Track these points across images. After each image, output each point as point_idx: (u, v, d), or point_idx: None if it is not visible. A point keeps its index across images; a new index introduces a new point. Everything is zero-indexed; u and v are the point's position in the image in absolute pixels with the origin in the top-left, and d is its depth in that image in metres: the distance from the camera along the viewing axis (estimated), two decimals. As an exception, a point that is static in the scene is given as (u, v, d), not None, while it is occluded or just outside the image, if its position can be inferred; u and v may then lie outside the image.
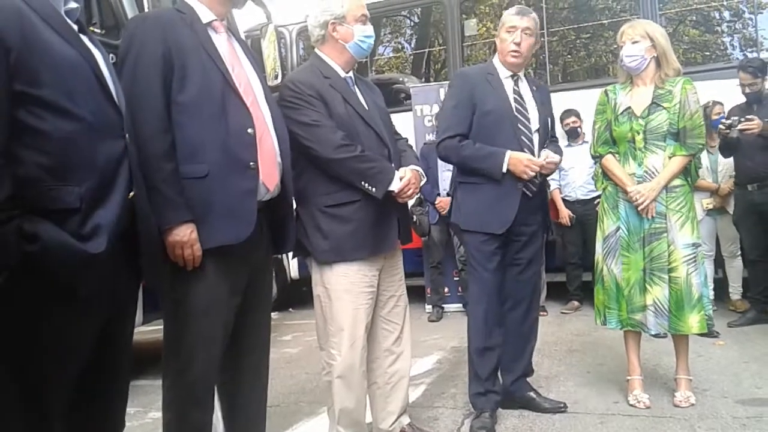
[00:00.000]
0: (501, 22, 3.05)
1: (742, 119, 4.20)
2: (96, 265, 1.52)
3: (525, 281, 3.07)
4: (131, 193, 1.64)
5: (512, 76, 3.01)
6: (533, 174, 2.86)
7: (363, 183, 2.46)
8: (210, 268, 2.03)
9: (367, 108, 2.60)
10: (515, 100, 2.98)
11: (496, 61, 3.06)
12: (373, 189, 2.45)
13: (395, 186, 2.48)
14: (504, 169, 2.86)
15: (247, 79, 2.16)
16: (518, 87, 3.02)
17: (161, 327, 2.15)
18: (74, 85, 1.54)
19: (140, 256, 1.70)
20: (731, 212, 4.84)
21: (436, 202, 5.55)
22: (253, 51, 2.44)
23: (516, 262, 3.03)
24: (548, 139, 3.08)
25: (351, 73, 2.66)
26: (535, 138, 2.98)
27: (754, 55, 5.66)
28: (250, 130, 2.08)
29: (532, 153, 2.93)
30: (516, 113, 2.96)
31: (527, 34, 2.93)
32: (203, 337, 2.04)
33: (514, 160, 2.85)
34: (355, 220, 2.49)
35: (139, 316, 3.65)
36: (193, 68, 2.02)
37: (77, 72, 1.56)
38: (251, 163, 2.07)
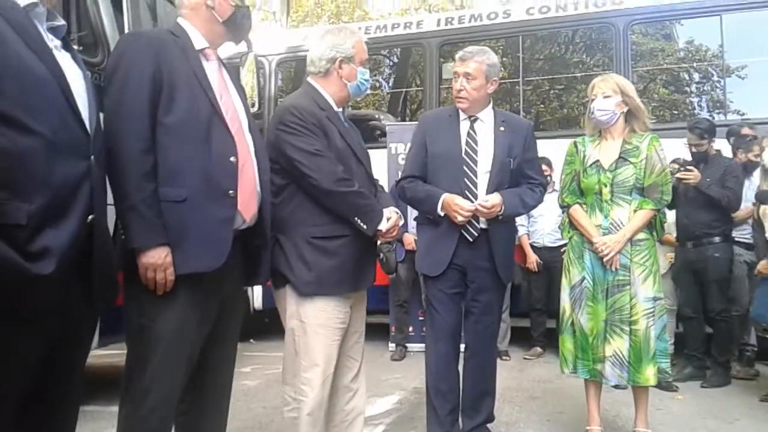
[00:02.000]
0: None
1: (682, 168, 4.37)
2: (42, 286, 1.48)
3: (481, 330, 3.06)
4: (90, 216, 1.61)
5: (470, 117, 3.04)
6: (463, 218, 2.86)
7: (356, 219, 2.46)
8: (181, 294, 1.99)
9: (359, 146, 2.63)
10: (467, 142, 3.00)
11: None
12: (365, 226, 2.46)
13: (383, 225, 2.49)
14: (439, 211, 2.91)
15: (234, 108, 2.16)
16: (474, 128, 3.03)
17: (116, 351, 2.08)
18: (36, 100, 1.52)
19: (93, 280, 1.66)
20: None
21: (402, 238, 5.52)
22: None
23: (472, 309, 3.04)
24: (520, 180, 3.02)
25: (341, 109, 2.68)
26: (483, 180, 2.96)
27: (721, 117, 5.87)
28: (232, 158, 2.07)
29: (475, 196, 2.92)
30: (464, 155, 2.98)
31: (469, 78, 2.97)
32: (168, 364, 1.99)
33: (446, 202, 2.89)
34: (341, 255, 2.48)
35: (94, 339, 3.59)
36: (182, 91, 2.02)
37: (42, 88, 1.55)
38: (230, 192, 2.06)
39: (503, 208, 2.90)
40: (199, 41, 2.14)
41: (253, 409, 3.99)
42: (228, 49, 5.35)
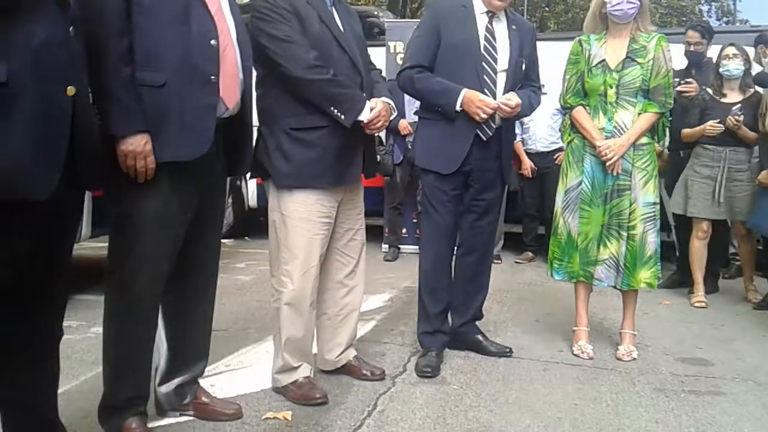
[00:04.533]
0: None
1: (682, 81, 4.28)
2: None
3: (480, 229, 3.04)
4: (70, 88, 1.54)
5: (488, 13, 2.88)
6: (486, 116, 2.75)
7: (332, 108, 2.37)
8: (162, 182, 1.95)
9: (342, 31, 2.49)
10: (485, 37, 2.86)
11: None
12: (342, 116, 2.37)
13: (365, 116, 2.39)
14: (458, 107, 2.77)
15: None
16: (492, 24, 2.89)
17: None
18: None
19: (77, 158, 1.60)
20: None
21: (399, 124, 5.39)
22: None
23: (472, 209, 3.00)
24: (523, 83, 2.95)
25: None
26: (501, 78, 2.86)
27: (729, 24, 5.69)
28: (213, 42, 1.97)
29: (494, 94, 2.82)
30: (483, 51, 2.84)
31: None
32: (151, 250, 1.97)
33: (468, 98, 2.75)
34: (320, 147, 2.41)
35: (87, 229, 3.60)
36: None
37: None
38: (212, 77, 1.97)
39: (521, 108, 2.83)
40: None
41: (247, 302, 4.05)
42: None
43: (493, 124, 2.85)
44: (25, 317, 1.68)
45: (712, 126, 4.08)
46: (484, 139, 2.85)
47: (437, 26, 2.88)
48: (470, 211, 3.00)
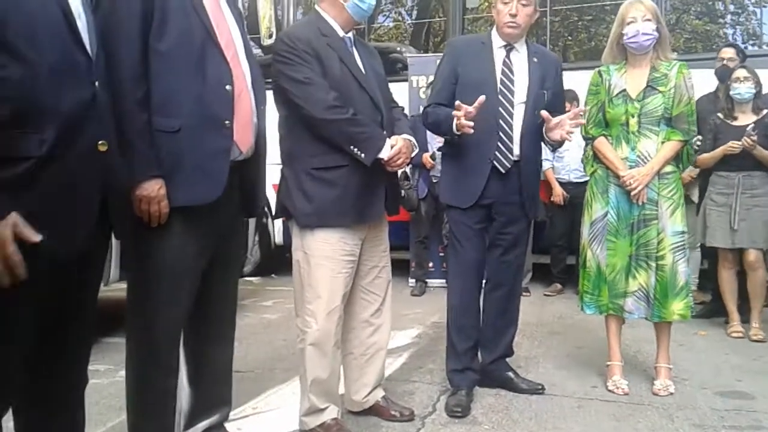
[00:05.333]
0: None
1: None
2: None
3: (507, 263, 2.99)
4: (101, 142, 1.56)
5: (505, 46, 2.89)
6: (464, 122, 2.62)
7: (352, 147, 2.37)
8: (176, 226, 1.96)
9: (363, 71, 2.51)
10: (502, 71, 2.86)
11: (493, 32, 2.95)
12: (362, 155, 2.37)
13: (385, 154, 2.40)
14: (455, 131, 2.72)
15: (229, 33, 2.07)
16: (510, 58, 2.89)
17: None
18: (37, 27, 1.45)
19: (109, 210, 1.62)
20: (695, 201, 4.77)
21: (422, 159, 5.37)
22: (243, 8, 2.34)
23: (498, 243, 2.96)
24: (552, 115, 2.82)
25: (350, 34, 2.55)
26: (519, 111, 2.83)
27: (756, 48, 5.64)
28: (228, 87, 1.99)
29: (510, 127, 2.81)
30: (500, 84, 2.84)
31: (523, 4, 2.80)
32: (167, 296, 1.97)
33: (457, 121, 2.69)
34: (341, 186, 2.41)
35: (114, 272, 3.62)
36: (174, 15, 1.93)
37: (45, 13, 1.48)
38: (226, 122, 1.99)
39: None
40: None
41: (274, 341, 4.03)
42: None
43: (511, 156, 2.82)
44: (50, 363, 1.68)
45: (731, 146, 3.98)
46: (503, 171, 2.83)
47: (455, 65, 2.90)
48: (496, 245, 2.96)
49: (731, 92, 4.09)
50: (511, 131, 2.81)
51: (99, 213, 1.62)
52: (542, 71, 2.91)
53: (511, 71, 2.87)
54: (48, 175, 1.45)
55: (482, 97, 2.64)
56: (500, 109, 2.82)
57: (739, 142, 3.94)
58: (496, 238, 2.95)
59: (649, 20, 2.91)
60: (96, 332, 1.85)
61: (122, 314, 2.05)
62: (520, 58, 2.91)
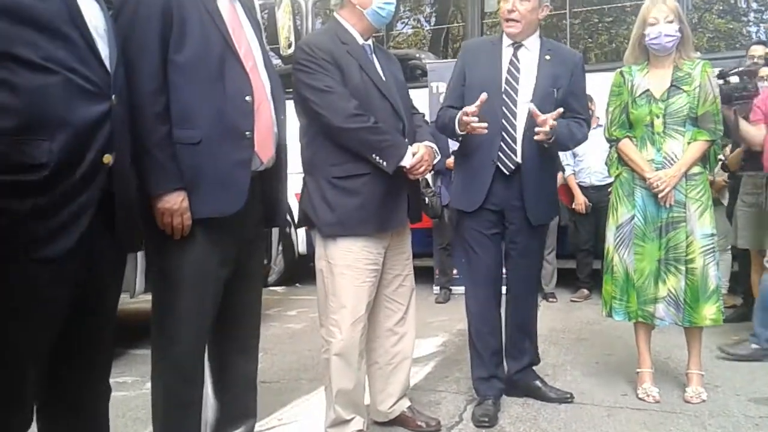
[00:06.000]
0: None
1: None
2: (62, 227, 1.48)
3: (520, 273, 2.94)
4: (107, 156, 1.56)
5: (513, 44, 2.84)
6: (469, 120, 2.58)
7: (374, 156, 2.36)
8: (199, 238, 1.96)
9: (384, 79, 2.49)
10: (509, 70, 2.81)
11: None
12: (384, 163, 2.36)
13: (407, 161, 2.38)
14: (458, 131, 2.70)
15: (248, 44, 2.07)
16: (517, 56, 2.83)
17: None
18: (52, 40, 1.47)
19: (116, 222, 1.63)
20: (724, 203, 4.68)
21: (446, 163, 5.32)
22: (262, 20, 2.35)
23: (510, 251, 2.92)
24: (565, 114, 2.75)
25: (370, 41, 2.54)
26: (522, 110, 2.74)
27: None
28: (248, 98, 2.00)
29: (514, 127, 2.74)
30: (504, 83, 2.79)
31: None
32: (191, 308, 1.97)
33: (461, 120, 2.64)
34: (363, 194, 2.40)
35: (140, 284, 3.65)
36: (193, 26, 1.93)
37: (54, 24, 1.49)
38: (247, 133, 1.99)
39: (554, 132, 2.64)
40: None
41: (299, 351, 4.02)
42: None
43: (515, 158, 2.76)
44: (70, 373, 1.68)
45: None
46: (507, 172, 2.77)
47: (463, 67, 2.89)
48: (509, 254, 2.93)
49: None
50: (515, 132, 2.75)
51: (110, 224, 1.62)
52: (555, 69, 2.82)
53: (518, 69, 2.81)
54: (55, 183, 1.47)
55: (484, 95, 2.59)
56: (503, 108, 2.76)
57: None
58: (509, 247, 2.92)
59: (671, 21, 2.86)
60: (123, 344, 1.86)
61: (148, 326, 2.06)
62: (529, 56, 2.84)
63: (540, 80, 2.79)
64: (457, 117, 2.67)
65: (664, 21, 2.86)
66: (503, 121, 2.75)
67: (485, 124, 2.62)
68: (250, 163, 2.01)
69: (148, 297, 3.91)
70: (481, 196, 2.79)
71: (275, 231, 5.34)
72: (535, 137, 2.65)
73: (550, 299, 5.40)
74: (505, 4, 2.78)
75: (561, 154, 5.37)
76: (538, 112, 2.63)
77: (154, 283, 2.06)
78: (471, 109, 2.60)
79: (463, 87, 2.85)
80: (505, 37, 2.87)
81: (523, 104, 2.76)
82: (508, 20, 2.78)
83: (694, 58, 2.96)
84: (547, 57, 2.84)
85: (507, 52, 2.85)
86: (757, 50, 4.48)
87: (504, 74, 2.81)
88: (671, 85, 2.91)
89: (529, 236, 2.89)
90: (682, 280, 2.89)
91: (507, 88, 2.79)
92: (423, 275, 5.34)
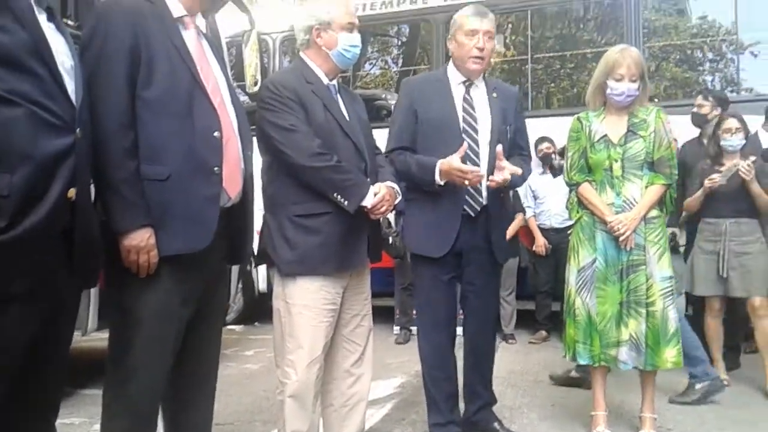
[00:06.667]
0: (456, 23, 2.82)
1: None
2: (26, 263, 1.43)
3: (479, 314, 2.95)
4: (72, 190, 1.55)
5: (465, 83, 2.86)
6: (471, 181, 2.63)
7: (335, 195, 2.36)
8: (163, 276, 1.92)
9: (348, 118, 2.51)
10: (464, 108, 2.82)
11: (450, 67, 2.92)
12: (346, 202, 2.36)
13: (368, 201, 2.39)
14: (439, 181, 2.68)
15: (215, 80, 2.07)
16: (470, 94, 2.85)
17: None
18: (17, 72, 1.46)
19: (75, 258, 1.60)
20: (681, 248, 4.77)
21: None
22: (229, 56, 2.37)
23: (469, 292, 2.92)
24: (511, 152, 2.85)
25: (335, 81, 2.57)
26: (484, 152, 2.78)
27: (734, 94, 5.74)
28: (216, 133, 1.98)
29: (477, 166, 2.71)
30: (463, 123, 2.79)
31: (489, 37, 2.77)
32: (151, 347, 1.92)
33: (445, 171, 2.65)
34: (324, 233, 2.39)
35: (93, 321, 3.56)
36: (161, 63, 1.92)
37: (20, 58, 1.49)
38: (215, 168, 1.98)
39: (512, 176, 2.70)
40: (176, 8, 2.04)
41: (254, 392, 3.95)
42: (231, 26, 5.28)
43: (480, 199, 2.78)
44: (15, 413, 1.62)
45: (710, 179, 3.87)
46: (472, 215, 2.78)
47: (412, 103, 2.84)
48: (466, 295, 2.93)
49: (722, 142, 3.97)
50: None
51: (69, 258, 1.59)
52: (503, 106, 2.87)
53: (473, 108, 2.83)
54: (16, 214, 1.44)
55: (465, 144, 2.63)
56: (468, 151, 2.73)
57: (718, 175, 3.84)
58: (467, 289, 2.91)
59: (635, 81, 2.94)
60: (72, 383, 1.81)
61: (100, 365, 2.00)
62: (479, 94, 2.87)
63: (494, 118, 2.82)
64: (438, 167, 2.65)
65: (628, 80, 2.94)
66: (467, 163, 2.71)
67: (482, 172, 2.63)
68: (218, 199, 2.00)
69: (100, 335, 3.83)
70: (449, 242, 2.77)
71: (235, 268, 5.29)
72: (491, 185, 2.69)
73: (510, 340, 5.43)
74: (470, 41, 2.76)
75: (522, 196, 5.49)
76: (503, 156, 2.67)
77: (113, 320, 1.99)
78: (459, 163, 2.58)
79: (415, 125, 2.82)
80: (453, 73, 2.88)
81: (484, 144, 2.78)
82: (476, 58, 2.77)
83: (648, 105, 3.06)
84: (494, 94, 2.88)
85: (458, 90, 2.86)
86: (698, 99, 4.63)
87: (461, 113, 2.81)
88: (628, 131, 3.00)
89: (488, 277, 2.92)
90: (643, 323, 2.92)
91: (466, 127, 2.79)
92: (383, 315, 5.33)
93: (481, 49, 2.76)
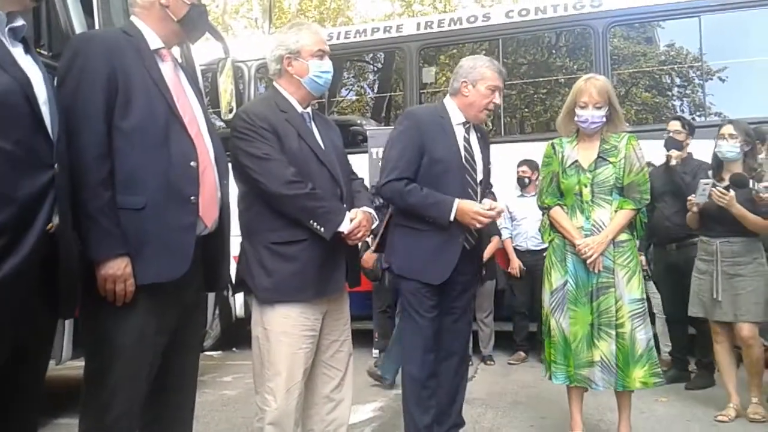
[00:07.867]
0: (479, 73, 2.94)
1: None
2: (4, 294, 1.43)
3: (459, 331, 3.03)
4: (51, 224, 1.55)
5: (464, 124, 2.99)
6: (483, 225, 2.84)
7: (311, 222, 2.38)
8: (140, 304, 1.93)
9: (322, 146, 2.54)
10: (465, 148, 2.95)
11: (449, 103, 3.02)
12: (322, 229, 2.37)
13: (344, 227, 2.40)
14: (451, 218, 2.81)
15: (191, 110, 2.10)
16: (468, 135, 2.99)
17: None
18: (1, 114, 1.47)
19: (59, 289, 1.60)
20: (650, 275, 4.83)
21: (362, 258, 5.32)
22: (204, 84, 2.39)
23: (451, 311, 2.99)
24: (487, 189, 3.09)
25: (309, 109, 2.60)
26: (478, 190, 2.97)
27: (702, 119, 5.90)
28: (193, 163, 2.01)
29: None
30: (465, 162, 2.93)
31: (499, 93, 2.97)
32: (127, 375, 1.92)
33: (462, 209, 2.80)
34: (300, 260, 2.40)
35: (67, 350, 3.50)
36: (138, 94, 1.95)
37: (6, 100, 1.49)
38: (192, 198, 2.00)
39: None
40: (153, 41, 2.07)
41: (232, 419, 3.92)
42: (206, 54, 5.31)
43: (475, 234, 2.93)
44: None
45: (689, 201, 3.79)
46: (468, 248, 2.91)
47: (421, 139, 2.90)
48: (449, 313, 2.98)
49: (716, 149, 3.81)
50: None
51: (45, 290, 1.59)
52: (483, 147, 3.07)
53: (472, 149, 2.98)
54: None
55: (495, 204, 2.90)
56: (469, 189, 2.91)
57: (696, 198, 3.72)
58: (450, 308, 2.98)
59: (599, 108, 3.03)
60: (47, 413, 1.79)
61: (74, 393, 1.99)
62: (473, 136, 3.03)
63: (484, 159, 3.02)
64: (456, 206, 2.79)
65: (593, 107, 3.04)
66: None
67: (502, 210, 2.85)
68: (195, 228, 2.01)
69: (75, 363, 3.77)
70: (450, 269, 2.88)
71: (211, 294, 5.26)
72: (480, 225, 2.86)
73: (488, 362, 5.45)
74: (491, 96, 2.93)
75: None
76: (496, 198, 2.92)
77: (89, 349, 1.99)
78: (479, 208, 2.81)
79: (421, 160, 2.89)
80: (453, 112, 2.99)
81: (478, 184, 2.96)
82: (489, 111, 2.99)
83: (620, 132, 3.13)
84: (479, 135, 3.06)
85: (459, 130, 2.98)
86: (674, 125, 4.73)
87: (463, 153, 2.94)
88: (598, 157, 3.08)
89: (467, 300, 3.04)
90: (613, 344, 2.98)
91: (467, 166, 2.93)
92: (362, 338, 5.32)
93: (498, 106, 3.01)
